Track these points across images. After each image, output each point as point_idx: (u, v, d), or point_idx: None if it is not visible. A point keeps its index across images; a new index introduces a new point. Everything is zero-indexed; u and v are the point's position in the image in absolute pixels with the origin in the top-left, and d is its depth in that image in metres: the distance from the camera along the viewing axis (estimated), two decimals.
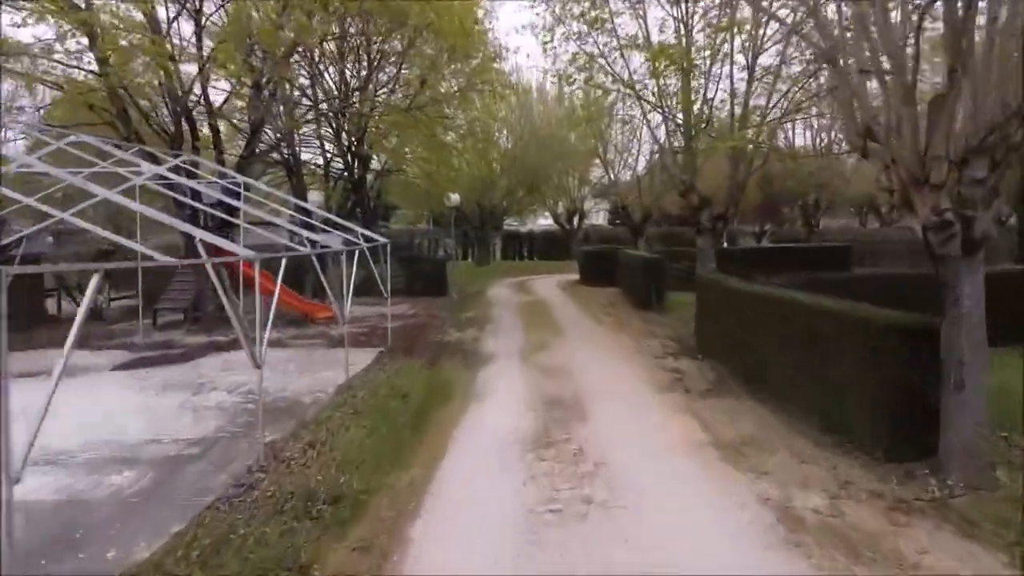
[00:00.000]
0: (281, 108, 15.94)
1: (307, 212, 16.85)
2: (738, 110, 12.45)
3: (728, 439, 7.23)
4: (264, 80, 13.91)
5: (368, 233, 13.48)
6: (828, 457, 6.53)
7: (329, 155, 20.82)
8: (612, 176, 25.93)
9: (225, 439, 7.45)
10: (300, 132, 21.34)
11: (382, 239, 13.16)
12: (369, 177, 21.05)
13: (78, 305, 17.40)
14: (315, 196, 23.78)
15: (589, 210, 48.17)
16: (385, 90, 19.76)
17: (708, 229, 13.28)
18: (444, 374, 10.58)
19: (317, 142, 20.14)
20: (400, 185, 23.97)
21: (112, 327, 15.69)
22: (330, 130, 20.25)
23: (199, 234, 7.50)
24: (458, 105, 18.43)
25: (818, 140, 26.61)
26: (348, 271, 10.46)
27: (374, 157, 21.28)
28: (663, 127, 13.41)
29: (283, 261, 8.24)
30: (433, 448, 7.07)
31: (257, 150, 14.97)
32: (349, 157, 19.92)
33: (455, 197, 20.50)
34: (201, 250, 7.19)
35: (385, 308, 18.87)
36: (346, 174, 20.24)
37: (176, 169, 13.28)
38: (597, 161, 28.30)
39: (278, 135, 15.63)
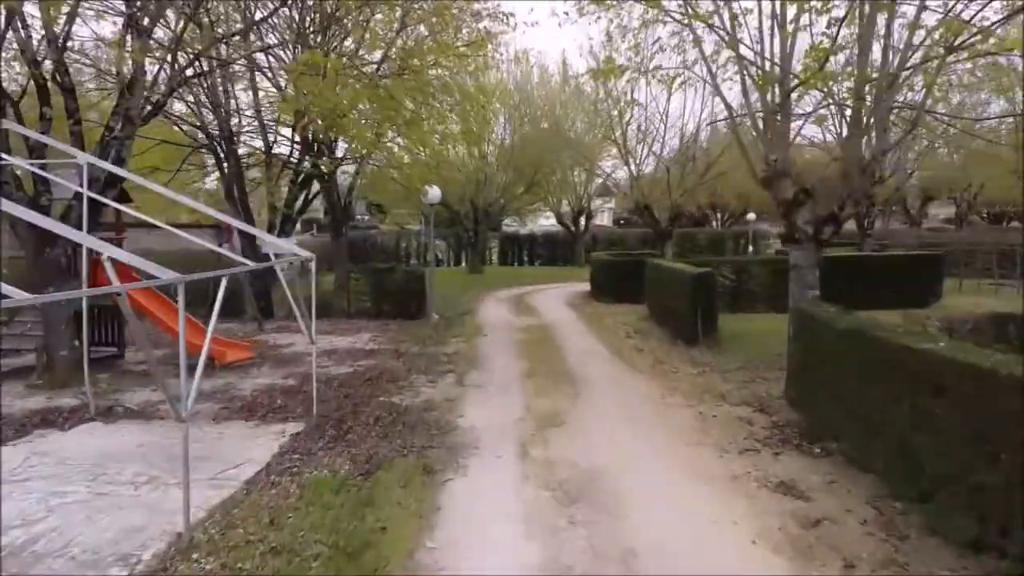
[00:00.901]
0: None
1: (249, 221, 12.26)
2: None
3: None
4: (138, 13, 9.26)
5: (287, 246, 8.92)
6: None
7: (272, 136, 16.16)
8: (633, 168, 21.20)
9: None
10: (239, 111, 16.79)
11: (305, 253, 8.50)
12: (326, 165, 16.35)
13: None
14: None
15: (596, 209, 43.71)
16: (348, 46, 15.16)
17: (809, 237, 8.55)
18: (381, 499, 5.91)
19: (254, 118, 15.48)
20: (372, 178, 19.32)
21: None
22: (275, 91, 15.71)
23: None
24: (438, 63, 13.73)
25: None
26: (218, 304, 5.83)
27: (336, 142, 16.57)
28: (740, 78, 8.69)
29: None
30: None
31: (137, 119, 10.27)
32: (295, 140, 15.31)
33: (433, 192, 15.82)
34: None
35: (358, 335, 14.67)
36: (293, 162, 15.60)
37: None
38: (613, 151, 23.65)
39: (166, 91, 10.87)
